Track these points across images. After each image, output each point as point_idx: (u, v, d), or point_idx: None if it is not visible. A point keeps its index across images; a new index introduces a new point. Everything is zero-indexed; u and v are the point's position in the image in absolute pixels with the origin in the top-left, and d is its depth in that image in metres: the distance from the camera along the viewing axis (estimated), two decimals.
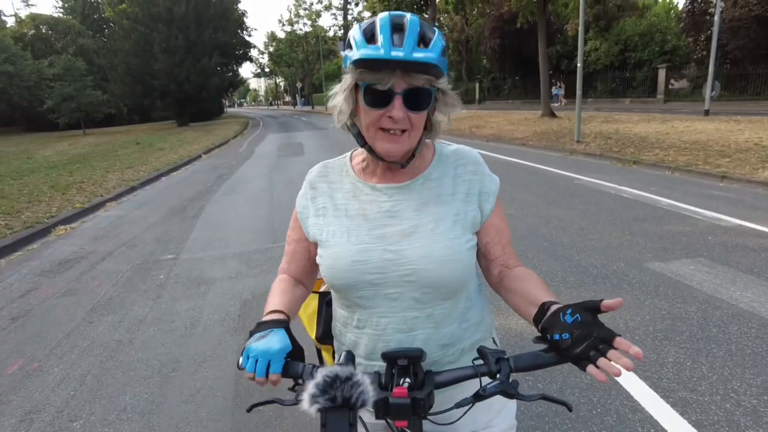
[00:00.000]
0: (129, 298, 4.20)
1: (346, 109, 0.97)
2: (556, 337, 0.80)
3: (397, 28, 0.88)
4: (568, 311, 0.80)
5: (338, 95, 0.98)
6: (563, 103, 29.24)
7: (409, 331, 1.00)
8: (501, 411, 1.11)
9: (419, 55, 0.86)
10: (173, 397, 2.72)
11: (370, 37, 0.89)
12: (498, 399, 0.90)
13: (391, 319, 1.00)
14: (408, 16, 0.90)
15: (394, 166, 1.02)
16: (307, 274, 1.15)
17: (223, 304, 3.92)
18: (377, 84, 0.89)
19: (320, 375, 0.80)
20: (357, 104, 0.96)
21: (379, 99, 0.90)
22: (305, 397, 0.79)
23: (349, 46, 0.91)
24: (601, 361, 0.76)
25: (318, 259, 1.06)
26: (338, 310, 1.11)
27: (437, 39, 0.89)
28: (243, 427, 2.44)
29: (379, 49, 0.86)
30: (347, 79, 0.95)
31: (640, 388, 2.51)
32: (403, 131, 0.93)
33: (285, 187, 8.80)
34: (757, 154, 8.58)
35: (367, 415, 0.96)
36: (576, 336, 0.78)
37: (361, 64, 0.89)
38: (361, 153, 1.08)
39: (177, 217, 7.17)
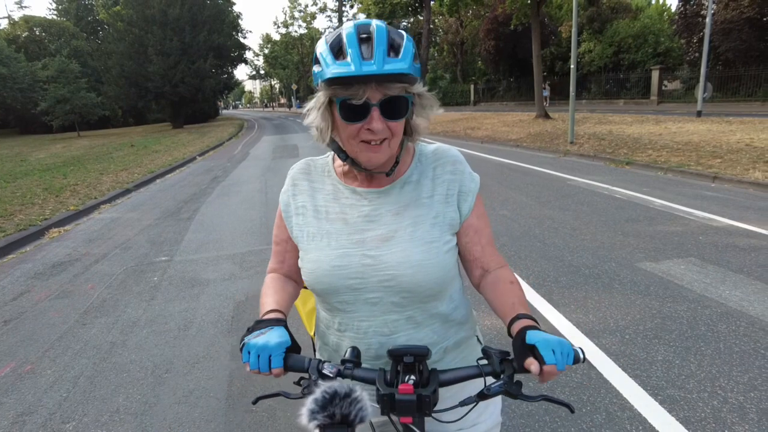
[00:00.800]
0: (122, 300, 4.19)
1: (324, 127, 0.97)
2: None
3: (364, 39, 0.86)
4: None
5: (312, 112, 0.97)
6: (548, 104, 29.92)
7: (390, 334, 1.01)
8: (487, 409, 1.12)
9: (391, 66, 0.84)
10: (166, 399, 2.72)
11: (337, 51, 0.87)
12: None
13: (372, 323, 1.01)
14: (374, 24, 0.89)
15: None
16: (299, 272, 1.15)
17: (216, 306, 3.93)
18: (352, 99, 0.88)
19: (319, 391, 0.81)
20: (334, 119, 0.95)
21: (355, 113, 0.89)
22: (304, 412, 0.80)
23: (317, 62, 0.90)
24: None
25: (299, 263, 1.07)
26: (321, 313, 1.12)
27: (407, 44, 0.88)
28: (236, 428, 2.45)
29: (350, 66, 0.84)
30: (320, 97, 0.94)
31: (629, 386, 2.54)
32: (384, 140, 0.92)
33: (279, 189, 8.76)
34: (748, 154, 8.65)
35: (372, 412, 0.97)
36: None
37: (331, 81, 0.87)
38: None
39: (171, 219, 7.16)
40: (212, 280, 4.52)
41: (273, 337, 0.89)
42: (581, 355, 0.87)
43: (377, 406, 0.86)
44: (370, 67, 0.83)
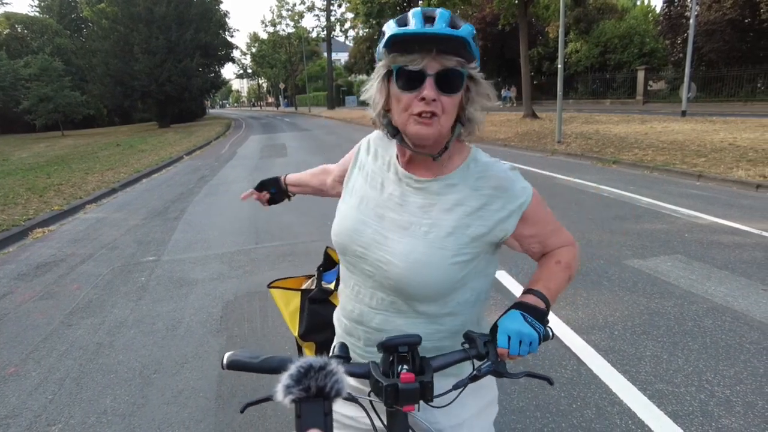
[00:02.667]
0: (109, 300, 4.13)
1: (379, 99, 0.98)
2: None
3: (428, 18, 0.90)
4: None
5: (372, 86, 1.00)
6: (514, 104, 32.86)
7: (375, 308, 1.04)
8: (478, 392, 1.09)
9: (451, 31, 0.87)
10: (155, 399, 2.69)
11: (402, 24, 0.91)
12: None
13: (363, 291, 1.06)
14: (439, 9, 0.93)
15: (426, 158, 1.01)
16: (331, 184, 1.43)
17: (205, 306, 3.89)
18: (410, 65, 0.90)
19: (294, 366, 0.79)
20: (389, 92, 0.97)
21: (411, 81, 0.91)
22: (279, 388, 0.78)
23: (383, 35, 0.94)
24: None
25: (338, 205, 1.15)
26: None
27: (467, 25, 0.92)
28: (226, 428, 2.42)
29: (411, 28, 0.88)
30: (380, 68, 0.97)
31: (618, 381, 2.57)
32: (434, 115, 0.92)
33: None
34: (732, 153, 8.81)
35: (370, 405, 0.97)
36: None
37: (393, 46, 0.91)
38: None
39: (158, 218, 7.07)
40: (200, 279, 4.47)
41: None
42: (550, 333, 0.95)
43: (360, 393, 0.87)
44: (432, 29, 0.87)
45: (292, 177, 1.56)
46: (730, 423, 2.21)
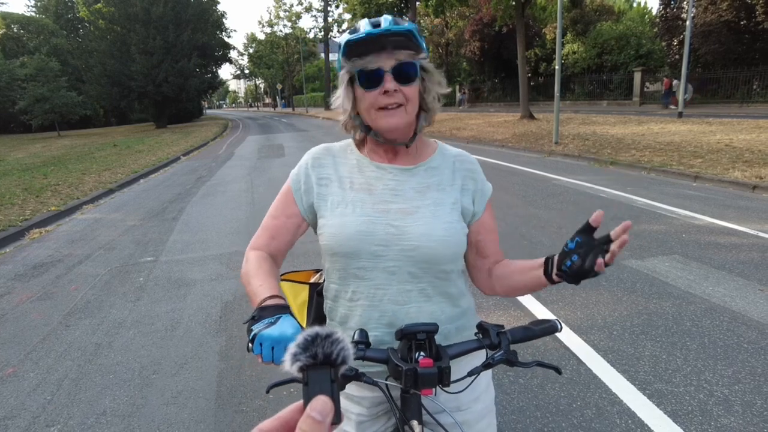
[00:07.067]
0: (107, 301, 4.12)
1: (348, 104, 1.06)
2: (568, 263, 0.91)
3: (375, 24, 1.00)
4: (568, 241, 0.92)
5: (338, 94, 1.07)
6: (467, 105, 35.53)
7: (403, 304, 1.06)
8: (484, 393, 1.18)
9: (397, 27, 0.97)
10: (154, 400, 2.68)
11: (354, 32, 1.01)
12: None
13: (387, 291, 1.06)
14: (385, 16, 1.02)
15: (399, 148, 1.10)
16: (284, 252, 1.19)
17: (204, 306, 3.88)
18: (368, 66, 0.99)
19: (301, 335, 0.80)
20: (355, 95, 1.05)
21: (372, 80, 0.99)
22: (287, 357, 0.79)
23: (339, 47, 1.04)
24: (607, 256, 0.87)
25: (319, 229, 1.11)
26: (330, 285, 1.14)
27: (410, 23, 1.01)
28: (226, 428, 2.42)
29: (362, 33, 0.98)
30: (343, 76, 1.05)
31: (618, 381, 2.58)
32: (399, 105, 1.01)
33: (266, 189, 8.74)
34: (728, 154, 8.84)
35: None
36: (582, 254, 0.90)
37: (351, 52, 1.00)
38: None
39: (156, 219, 7.06)
40: (199, 280, 4.46)
41: (287, 327, 0.89)
42: (559, 326, 1.00)
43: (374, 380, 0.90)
44: (379, 30, 0.96)
45: (276, 291, 1.03)
46: (729, 422, 2.22)
